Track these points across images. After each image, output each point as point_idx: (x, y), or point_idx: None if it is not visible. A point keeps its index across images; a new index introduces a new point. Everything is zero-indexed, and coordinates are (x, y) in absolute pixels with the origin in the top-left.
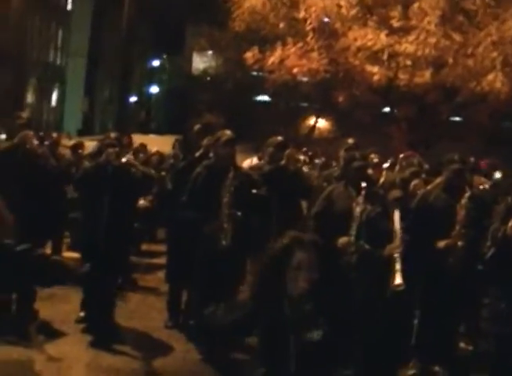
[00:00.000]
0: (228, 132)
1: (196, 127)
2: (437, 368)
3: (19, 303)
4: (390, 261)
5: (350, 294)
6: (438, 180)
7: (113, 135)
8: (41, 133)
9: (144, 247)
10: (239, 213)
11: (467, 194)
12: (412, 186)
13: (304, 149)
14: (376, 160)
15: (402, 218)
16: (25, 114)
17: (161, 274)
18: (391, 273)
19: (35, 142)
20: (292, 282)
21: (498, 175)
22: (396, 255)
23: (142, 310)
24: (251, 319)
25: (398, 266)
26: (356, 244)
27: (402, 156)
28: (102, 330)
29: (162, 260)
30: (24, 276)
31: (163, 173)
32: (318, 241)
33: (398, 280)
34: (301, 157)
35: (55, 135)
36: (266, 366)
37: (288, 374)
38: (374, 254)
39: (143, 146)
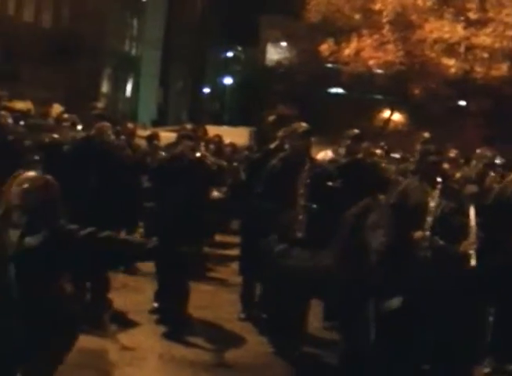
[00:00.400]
0: (304, 124)
1: (271, 118)
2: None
3: (93, 292)
4: (464, 257)
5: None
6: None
7: (188, 126)
8: (118, 127)
9: (217, 238)
10: (314, 205)
11: None
12: (488, 180)
13: (382, 143)
14: (453, 154)
15: (477, 214)
16: (100, 105)
17: (234, 266)
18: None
19: (111, 134)
20: (371, 239)
21: None
22: (471, 252)
23: (215, 302)
24: (327, 277)
25: (473, 262)
26: (431, 240)
27: (478, 151)
28: (175, 322)
29: (235, 251)
30: (96, 264)
31: (235, 164)
32: (393, 204)
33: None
34: (378, 151)
35: (130, 125)
36: (345, 334)
37: (367, 342)
38: (449, 251)
39: (219, 137)
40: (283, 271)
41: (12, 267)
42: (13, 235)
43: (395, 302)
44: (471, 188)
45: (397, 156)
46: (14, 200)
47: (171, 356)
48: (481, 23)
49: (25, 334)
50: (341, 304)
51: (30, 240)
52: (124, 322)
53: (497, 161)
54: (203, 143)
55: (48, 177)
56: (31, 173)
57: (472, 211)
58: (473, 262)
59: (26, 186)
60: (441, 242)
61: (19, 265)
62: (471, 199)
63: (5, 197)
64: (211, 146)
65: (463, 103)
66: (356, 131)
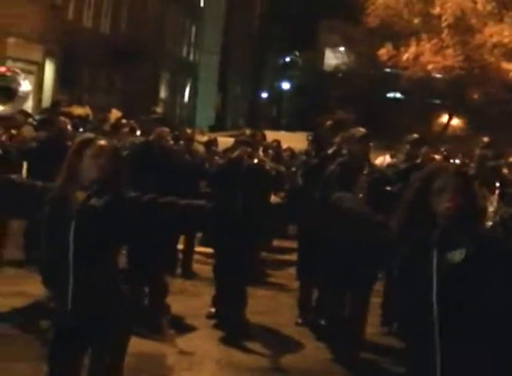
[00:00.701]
0: (362, 129)
1: (328, 123)
2: None
3: (152, 297)
4: None
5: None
6: None
7: (247, 131)
8: (176, 132)
9: (275, 243)
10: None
11: None
12: None
13: (443, 149)
14: (511, 159)
15: None
16: (159, 109)
17: (292, 270)
18: None
19: (169, 139)
20: (437, 205)
21: None
22: None
23: (272, 307)
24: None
25: None
26: None
27: None
28: (232, 327)
29: (293, 256)
30: (158, 229)
31: (293, 169)
32: (461, 170)
33: None
34: (437, 156)
35: (189, 131)
36: (403, 290)
37: (428, 296)
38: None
39: (277, 142)
40: (337, 214)
41: (73, 224)
42: (81, 196)
43: (458, 255)
44: None
45: (457, 161)
46: (86, 165)
47: (228, 361)
48: None
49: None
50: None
51: (95, 201)
52: (182, 326)
53: None
54: (261, 148)
55: (117, 144)
56: (102, 141)
57: None
58: None
59: (97, 151)
60: None
61: (80, 223)
62: None
63: (72, 160)
64: (270, 152)
65: None
66: (415, 135)
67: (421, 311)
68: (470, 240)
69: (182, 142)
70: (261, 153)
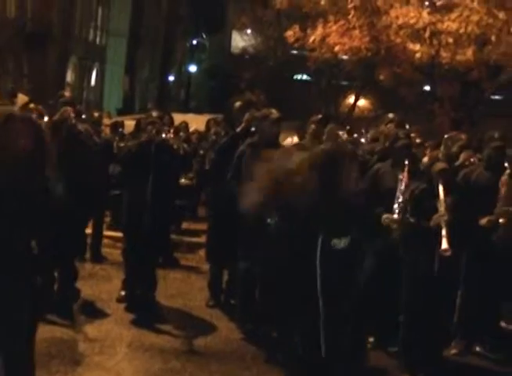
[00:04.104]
0: (274, 111)
1: (237, 104)
2: (478, 348)
3: (61, 281)
4: (437, 231)
5: (397, 271)
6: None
7: (154, 113)
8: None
9: (185, 225)
10: None
11: (508, 171)
12: (462, 158)
13: (348, 127)
14: (418, 140)
15: (447, 192)
16: (68, 93)
17: (202, 253)
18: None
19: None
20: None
21: None
22: (442, 223)
23: (184, 289)
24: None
25: (444, 232)
26: (402, 220)
27: (446, 136)
28: (143, 310)
29: (203, 238)
30: (65, 254)
31: (201, 151)
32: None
33: (445, 245)
34: (341, 133)
35: (96, 114)
36: (290, 274)
37: (313, 281)
38: (421, 226)
39: (185, 124)
40: None
41: None
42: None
43: (343, 243)
44: (439, 165)
45: (362, 140)
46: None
47: (140, 344)
48: (446, 9)
49: None
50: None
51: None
52: (93, 311)
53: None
54: (172, 130)
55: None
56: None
57: (441, 187)
58: (444, 246)
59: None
60: (412, 220)
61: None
62: (440, 175)
63: None
64: (181, 134)
65: (430, 87)
66: (320, 115)
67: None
68: (356, 227)
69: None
70: (171, 135)
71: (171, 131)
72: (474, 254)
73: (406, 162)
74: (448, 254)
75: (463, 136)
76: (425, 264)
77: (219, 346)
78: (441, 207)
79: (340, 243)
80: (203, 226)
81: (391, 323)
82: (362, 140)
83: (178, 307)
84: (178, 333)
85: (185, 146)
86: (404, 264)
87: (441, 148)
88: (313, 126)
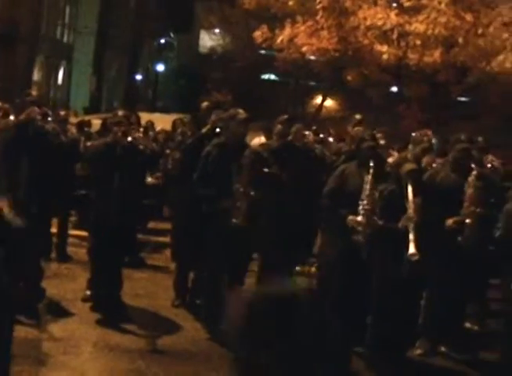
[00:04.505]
0: (241, 111)
1: (204, 105)
2: (443, 348)
3: (27, 281)
4: (406, 233)
5: (362, 272)
6: (444, 159)
7: (120, 113)
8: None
9: (151, 224)
10: (252, 192)
11: (474, 173)
12: (424, 162)
13: (314, 127)
14: (382, 141)
15: (416, 193)
16: (34, 92)
17: (169, 252)
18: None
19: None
20: None
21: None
22: (410, 226)
23: (150, 289)
24: None
25: (411, 236)
26: (369, 222)
27: (414, 134)
28: (109, 309)
29: (169, 238)
30: (30, 254)
31: (168, 151)
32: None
33: (412, 249)
34: (307, 133)
35: (63, 112)
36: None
37: None
38: (389, 229)
39: (151, 124)
40: None
41: None
42: None
43: None
44: (408, 166)
45: (330, 139)
46: None
47: (105, 344)
48: (414, 10)
49: None
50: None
51: None
52: (58, 310)
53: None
54: (141, 129)
55: None
56: None
57: (410, 188)
58: (411, 250)
59: None
60: (380, 222)
61: None
62: (409, 176)
63: None
64: (150, 133)
65: (397, 89)
66: (286, 116)
67: None
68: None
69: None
70: (139, 134)
71: (141, 130)
72: (441, 255)
73: (372, 164)
74: (416, 258)
75: (429, 133)
76: (393, 266)
77: (185, 346)
78: (410, 209)
79: None
80: (169, 226)
81: (358, 324)
82: (330, 139)
83: (143, 307)
84: (144, 333)
85: (154, 145)
86: (370, 265)
87: (410, 147)
88: (279, 126)
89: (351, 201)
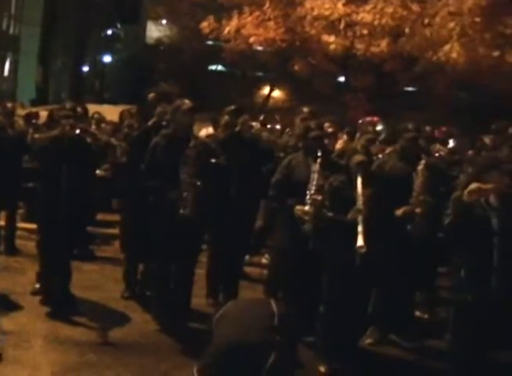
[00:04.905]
0: (187, 101)
1: (151, 96)
2: (394, 337)
3: None
4: (355, 225)
5: (312, 262)
6: (392, 149)
7: (68, 105)
8: None
9: (100, 216)
10: (198, 182)
11: (423, 162)
12: (373, 152)
13: (262, 117)
14: (331, 129)
15: (365, 184)
16: None
17: (117, 244)
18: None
19: None
20: None
21: (452, 143)
22: (359, 218)
23: (99, 281)
24: None
25: (360, 228)
26: (318, 213)
27: (361, 121)
28: (58, 302)
29: (118, 230)
30: None
31: (115, 142)
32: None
33: (360, 242)
34: (254, 124)
35: (9, 104)
36: None
37: None
38: (338, 221)
39: (98, 115)
40: None
41: None
42: None
43: None
44: (358, 158)
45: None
46: None
47: (55, 337)
48: (361, 0)
49: None
50: None
51: None
52: (7, 304)
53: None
54: (94, 122)
55: None
56: None
57: (359, 180)
58: (359, 242)
59: None
60: (330, 214)
61: None
62: (358, 168)
63: None
64: (102, 125)
65: (345, 79)
66: (233, 106)
67: None
68: None
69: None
70: (88, 126)
71: (93, 122)
72: (390, 244)
73: (319, 153)
74: (364, 250)
75: (375, 119)
76: (343, 256)
77: (135, 338)
78: (359, 201)
79: None
80: (118, 218)
81: (309, 314)
82: (277, 127)
83: (93, 299)
84: (94, 325)
85: (105, 137)
86: (319, 255)
87: (357, 135)
88: (227, 117)
89: (299, 191)
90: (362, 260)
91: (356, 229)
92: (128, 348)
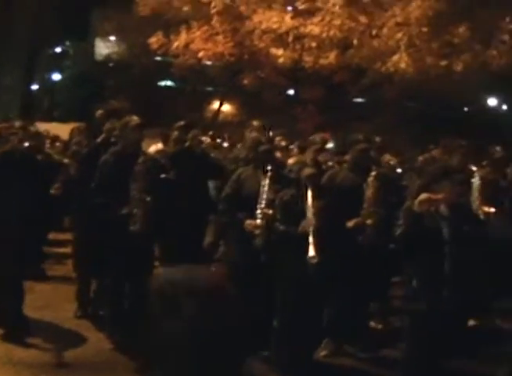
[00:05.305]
0: (135, 118)
1: (99, 112)
2: (349, 348)
3: None
4: (306, 237)
5: (262, 276)
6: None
7: (17, 123)
8: None
9: (52, 236)
10: (148, 198)
11: (373, 173)
12: (321, 161)
13: (211, 132)
14: (283, 143)
15: (316, 196)
16: None
17: (71, 263)
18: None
19: None
20: None
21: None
22: (310, 229)
23: (52, 301)
24: None
25: (311, 239)
26: (269, 226)
27: (311, 138)
28: (11, 323)
29: (71, 249)
30: None
31: (65, 160)
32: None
33: (312, 252)
34: (204, 138)
35: None
36: None
37: None
38: (290, 233)
39: (47, 133)
40: None
41: None
42: None
43: None
44: (307, 171)
45: (224, 144)
46: None
47: (8, 359)
48: (309, 13)
49: None
50: None
51: None
52: None
53: (330, 146)
54: (49, 141)
55: None
56: None
57: (309, 193)
58: (311, 253)
59: None
60: (282, 227)
61: None
62: (308, 180)
63: None
64: (58, 144)
65: (294, 91)
66: (183, 122)
67: None
68: None
69: None
70: (48, 145)
71: (48, 141)
72: (342, 256)
73: (269, 167)
74: (315, 261)
75: (327, 137)
76: (295, 269)
77: (89, 357)
78: (309, 213)
79: None
80: (70, 236)
81: (263, 328)
82: (225, 144)
83: (46, 319)
84: (48, 346)
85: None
86: (271, 269)
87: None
88: (176, 132)
89: (249, 205)
90: (314, 272)
91: (307, 240)
92: (81, 368)
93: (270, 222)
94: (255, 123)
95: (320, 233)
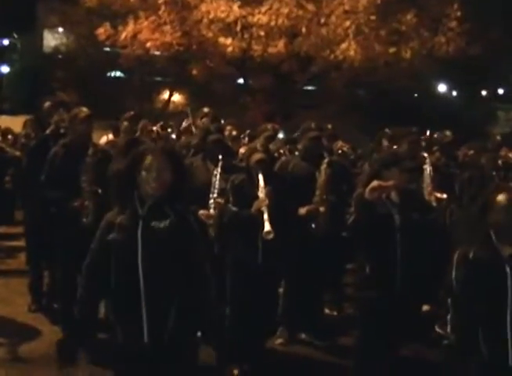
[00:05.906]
0: (84, 109)
1: (46, 104)
2: (303, 335)
3: None
4: (259, 220)
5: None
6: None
7: None
8: None
9: (2, 229)
10: (99, 190)
11: (326, 160)
12: (272, 149)
13: (161, 123)
14: (234, 132)
15: (267, 181)
16: None
17: (23, 257)
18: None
19: None
20: (144, 184)
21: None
22: (263, 208)
23: (5, 295)
24: None
25: (266, 216)
26: (224, 208)
27: (261, 128)
28: None
29: (23, 242)
30: None
31: (17, 153)
32: (167, 149)
33: (267, 227)
34: (154, 128)
35: None
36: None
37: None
38: (242, 214)
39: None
40: None
41: None
42: None
43: (162, 224)
44: (257, 156)
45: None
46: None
47: None
48: (256, 2)
49: None
50: None
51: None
52: None
53: (280, 136)
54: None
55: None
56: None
57: (261, 177)
58: (267, 228)
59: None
60: (234, 208)
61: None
62: (258, 165)
63: None
64: (9, 137)
65: (243, 81)
66: (132, 112)
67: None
68: (173, 212)
69: None
70: None
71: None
72: (295, 243)
73: (220, 156)
74: (271, 236)
75: (276, 127)
76: (248, 254)
77: (44, 351)
78: (262, 194)
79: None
80: (21, 230)
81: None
82: (173, 136)
83: (0, 314)
84: (2, 340)
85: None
86: (223, 258)
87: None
88: (126, 123)
89: (200, 195)
90: (265, 259)
91: (261, 223)
92: (37, 362)
93: (223, 208)
94: (205, 109)
95: (273, 215)
